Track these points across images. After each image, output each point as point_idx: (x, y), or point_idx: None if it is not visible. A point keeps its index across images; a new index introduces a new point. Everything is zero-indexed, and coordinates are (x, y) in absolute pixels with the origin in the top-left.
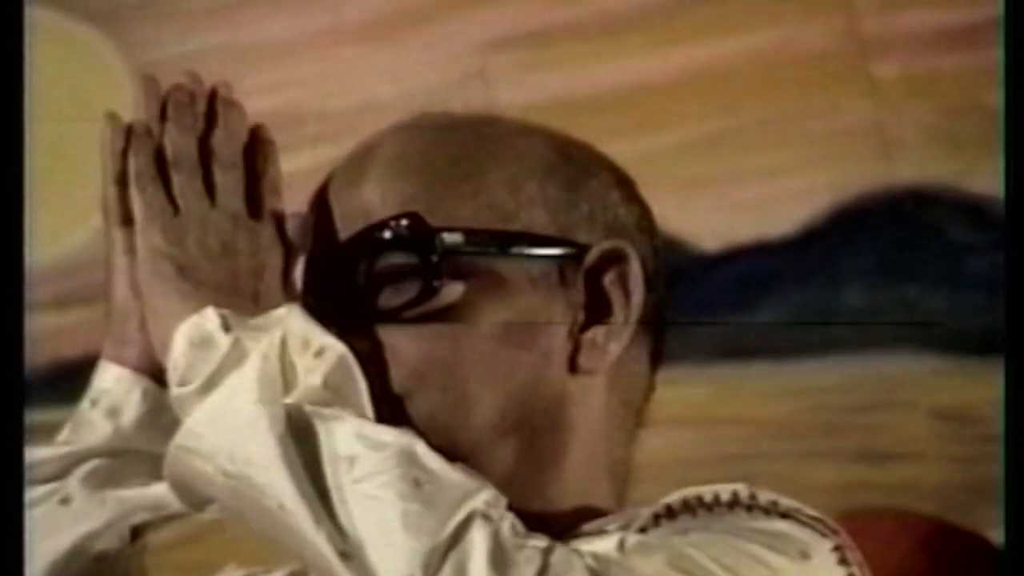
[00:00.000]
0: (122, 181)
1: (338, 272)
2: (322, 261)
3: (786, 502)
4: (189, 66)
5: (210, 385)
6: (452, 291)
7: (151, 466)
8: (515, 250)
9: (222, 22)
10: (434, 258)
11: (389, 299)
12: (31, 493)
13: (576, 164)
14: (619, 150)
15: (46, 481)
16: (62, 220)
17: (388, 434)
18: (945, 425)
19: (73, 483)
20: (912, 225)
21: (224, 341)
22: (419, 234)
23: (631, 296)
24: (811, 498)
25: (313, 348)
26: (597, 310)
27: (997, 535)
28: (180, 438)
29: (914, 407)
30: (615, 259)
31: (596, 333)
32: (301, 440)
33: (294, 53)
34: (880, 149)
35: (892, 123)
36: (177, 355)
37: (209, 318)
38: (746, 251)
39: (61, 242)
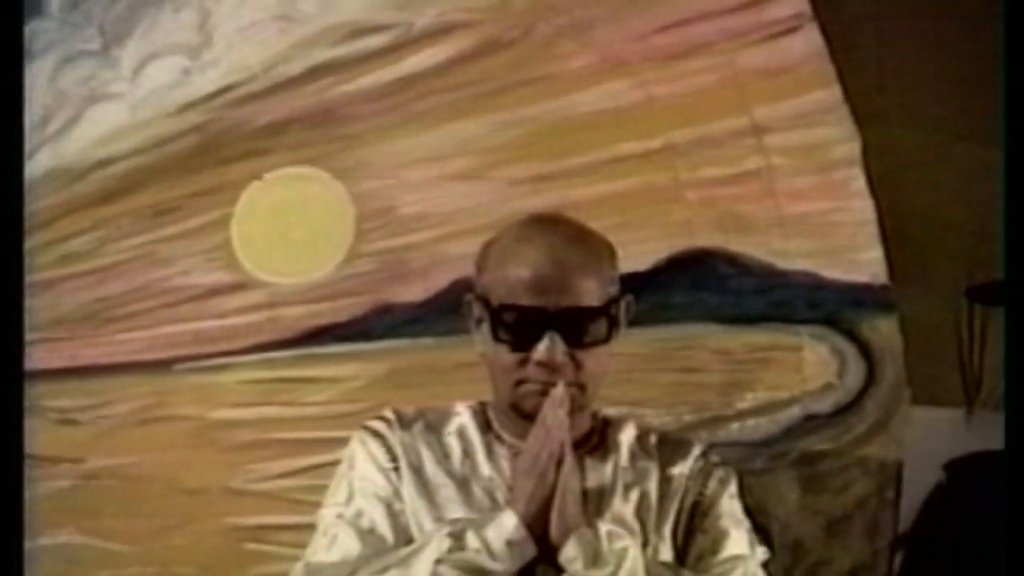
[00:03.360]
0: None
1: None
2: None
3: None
4: (377, 195)
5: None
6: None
7: None
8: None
9: (388, 171)
10: (617, 323)
11: (585, 337)
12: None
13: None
14: None
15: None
16: (307, 263)
17: None
18: (720, 356)
19: None
20: (705, 266)
21: (614, 552)
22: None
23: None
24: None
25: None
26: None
27: (754, 425)
28: None
29: (704, 347)
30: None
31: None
32: None
33: (422, 186)
34: (689, 231)
35: (696, 219)
36: (573, 552)
37: (604, 536)
38: (624, 278)
39: (310, 275)
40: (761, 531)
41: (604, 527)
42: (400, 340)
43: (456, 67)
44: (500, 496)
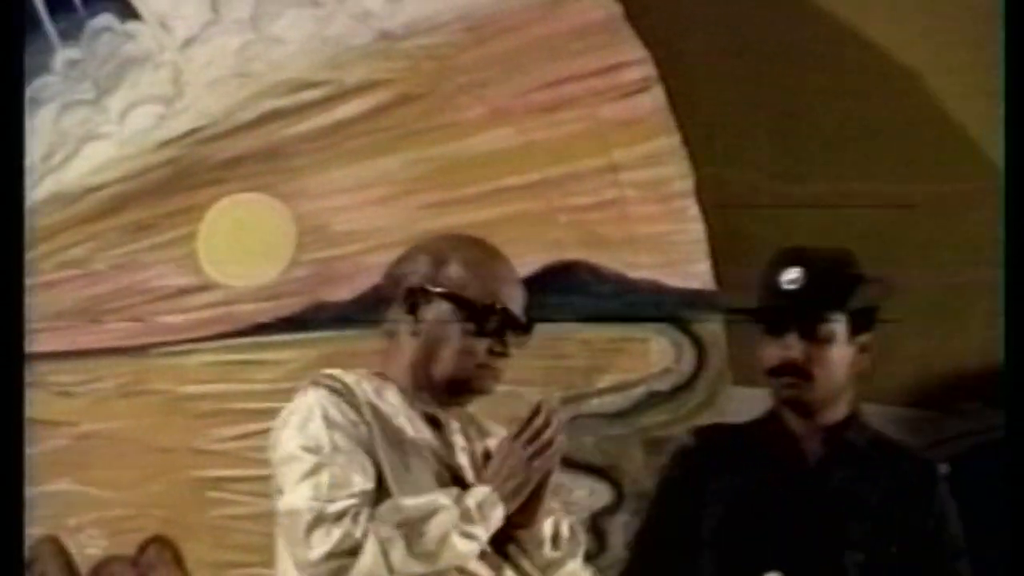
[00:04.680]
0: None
1: None
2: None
3: None
4: (314, 216)
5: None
6: None
7: None
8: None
9: (323, 197)
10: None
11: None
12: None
13: None
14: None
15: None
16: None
17: None
18: (583, 346)
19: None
20: (572, 275)
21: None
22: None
23: None
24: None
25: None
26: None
27: (611, 401)
28: None
29: (571, 339)
30: None
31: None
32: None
33: (349, 209)
34: (559, 247)
35: (565, 238)
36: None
37: (566, 526)
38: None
39: (260, 279)
40: (616, 484)
41: (567, 520)
42: (331, 331)
43: (377, 115)
44: (429, 454)
